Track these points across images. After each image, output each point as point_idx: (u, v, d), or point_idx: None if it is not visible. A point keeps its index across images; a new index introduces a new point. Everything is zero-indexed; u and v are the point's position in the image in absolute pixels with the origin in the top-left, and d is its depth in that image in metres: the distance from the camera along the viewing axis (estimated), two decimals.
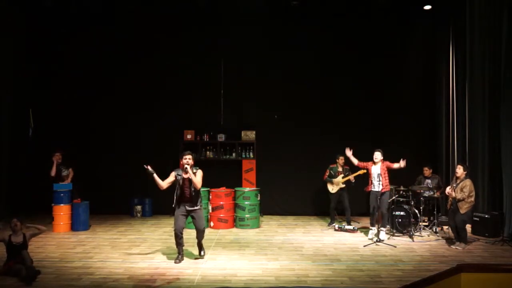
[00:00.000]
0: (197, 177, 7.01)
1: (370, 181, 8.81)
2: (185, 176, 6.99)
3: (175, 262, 6.99)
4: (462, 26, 10.37)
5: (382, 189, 8.61)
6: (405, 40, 11.72)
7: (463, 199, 7.97)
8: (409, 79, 11.79)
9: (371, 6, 11.20)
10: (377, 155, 8.73)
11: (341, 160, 10.15)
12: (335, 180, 10.09)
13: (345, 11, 11.41)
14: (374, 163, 8.76)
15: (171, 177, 7.04)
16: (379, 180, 8.60)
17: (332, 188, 10.16)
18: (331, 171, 10.21)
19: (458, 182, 8.15)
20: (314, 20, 11.47)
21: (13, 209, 10.43)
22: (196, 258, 7.29)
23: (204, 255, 7.35)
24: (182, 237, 7.07)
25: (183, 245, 7.17)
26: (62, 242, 8.48)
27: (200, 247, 7.37)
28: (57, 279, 6.22)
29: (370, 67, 11.59)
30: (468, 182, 8.05)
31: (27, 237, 6.57)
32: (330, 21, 11.51)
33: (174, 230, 7.04)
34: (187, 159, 6.97)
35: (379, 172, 8.65)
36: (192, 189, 6.98)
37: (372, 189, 8.74)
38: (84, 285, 6.01)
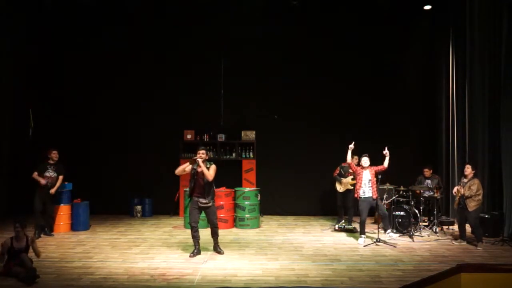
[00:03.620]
0: (210, 171, 7.33)
1: (359, 187, 8.43)
2: (199, 169, 7.28)
3: (190, 256, 7.24)
4: (462, 26, 10.37)
5: (374, 195, 8.36)
6: (405, 40, 11.72)
7: (471, 197, 8.11)
8: (409, 79, 11.79)
9: (371, 6, 11.19)
10: (365, 160, 8.48)
11: (354, 160, 9.69)
12: (344, 180, 9.87)
13: (345, 11, 11.42)
14: (363, 168, 8.49)
15: (186, 166, 7.42)
16: (370, 186, 8.35)
17: (340, 188, 9.92)
18: (341, 170, 9.95)
19: (466, 180, 8.29)
20: (314, 20, 11.47)
21: (13, 209, 10.44)
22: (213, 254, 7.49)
23: (222, 252, 7.52)
24: (197, 230, 7.34)
25: (199, 239, 7.40)
26: (62, 242, 8.48)
27: (217, 246, 7.59)
28: (57, 279, 6.22)
29: (370, 67, 11.60)
30: (476, 181, 8.24)
31: (29, 243, 6.54)
32: (330, 21, 11.51)
33: (189, 222, 7.42)
34: (200, 154, 7.33)
35: (370, 177, 8.39)
36: (205, 181, 7.27)
37: (363, 196, 8.39)
38: (84, 285, 6.00)
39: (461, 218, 8.42)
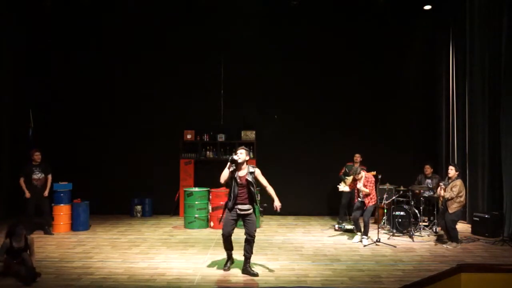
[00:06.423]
0: (260, 178, 6.52)
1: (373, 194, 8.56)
2: (242, 174, 6.33)
3: (224, 270, 6.52)
4: (462, 26, 10.38)
5: (368, 203, 8.48)
6: (405, 40, 11.71)
7: (452, 198, 8.02)
8: (409, 79, 11.77)
9: (371, 6, 11.18)
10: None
11: (357, 157, 10.04)
12: (349, 178, 9.92)
13: (345, 11, 11.40)
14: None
15: (229, 168, 6.33)
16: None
17: (345, 186, 10.00)
18: (346, 169, 10.06)
19: (449, 182, 8.22)
20: (313, 20, 11.46)
21: (13, 209, 10.42)
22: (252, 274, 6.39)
23: (256, 274, 6.33)
24: (231, 241, 6.51)
25: (233, 250, 6.63)
26: (62, 242, 8.48)
27: (248, 264, 6.46)
28: (57, 279, 6.22)
29: (370, 67, 11.59)
30: (458, 182, 8.09)
31: (29, 243, 6.54)
32: (330, 21, 11.49)
33: (222, 234, 6.44)
34: (238, 154, 6.29)
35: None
36: (251, 188, 6.35)
37: (360, 199, 8.64)
38: (84, 285, 6.01)
39: (443, 220, 8.25)
